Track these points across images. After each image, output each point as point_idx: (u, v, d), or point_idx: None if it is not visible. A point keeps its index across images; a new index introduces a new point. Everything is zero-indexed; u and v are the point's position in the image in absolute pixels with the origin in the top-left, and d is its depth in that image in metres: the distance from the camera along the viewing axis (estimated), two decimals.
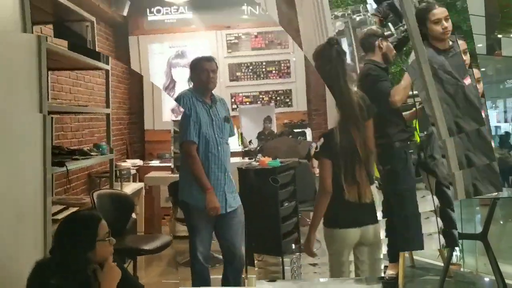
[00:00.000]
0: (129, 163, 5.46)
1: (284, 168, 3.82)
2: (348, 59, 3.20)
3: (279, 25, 6.70)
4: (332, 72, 2.35)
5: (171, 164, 5.08)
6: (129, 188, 4.94)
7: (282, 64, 6.89)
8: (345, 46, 6.60)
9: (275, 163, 3.57)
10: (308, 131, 5.85)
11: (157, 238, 3.59)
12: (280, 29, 6.80)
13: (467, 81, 2.32)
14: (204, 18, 6.68)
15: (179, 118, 6.51)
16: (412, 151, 2.72)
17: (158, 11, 6.76)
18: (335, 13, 6.51)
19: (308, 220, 4.79)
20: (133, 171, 5.40)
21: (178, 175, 4.74)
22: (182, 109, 6.66)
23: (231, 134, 3.12)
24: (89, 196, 3.44)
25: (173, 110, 6.75)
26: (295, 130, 5.63)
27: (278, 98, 6.83)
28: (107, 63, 4.23)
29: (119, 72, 6.38)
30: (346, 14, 6.59)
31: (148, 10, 6.71)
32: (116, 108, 6.14)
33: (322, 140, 2.47)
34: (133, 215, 4.08)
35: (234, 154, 3.65)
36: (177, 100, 3.02)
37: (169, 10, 6.76)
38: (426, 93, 1.44)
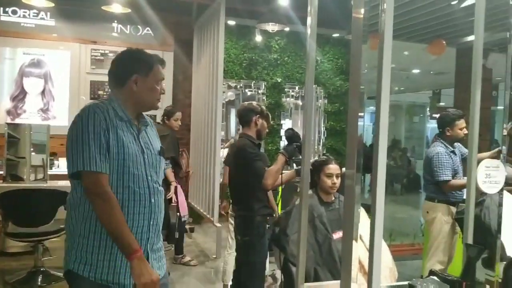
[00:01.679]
0: None
1: None
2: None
3: (150, 47, 6.59)
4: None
5: (2, 172, 4.55)
6: None
7: None
8: (233, 115, 6.87)
9: None
10: None
11: None
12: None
13: (336, 235, 2.60)
14: (68, 29, 6.22)
15: (16, 121, 5.93)
16: (269, 226, 2.90)
17: (14, 12, 6.09)
18: (229, 83, 6.75)
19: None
20: None
21: (11, 185, 4.32)
22: (20, 111, 6.08)
23: (164, 170, 2.22)
24: None
25: (9, 112, 6.11)
26: None
27: None
28: None
29: None
30: (238, 87, 6.89)
31: (1, 9, 6.02)
32: None
33: (226, 154, 3.79)
34: None
35: None
36: (82, 116, 1.74)
37: (28, 13, 6.12)
38: (298, 236, 1.67)
